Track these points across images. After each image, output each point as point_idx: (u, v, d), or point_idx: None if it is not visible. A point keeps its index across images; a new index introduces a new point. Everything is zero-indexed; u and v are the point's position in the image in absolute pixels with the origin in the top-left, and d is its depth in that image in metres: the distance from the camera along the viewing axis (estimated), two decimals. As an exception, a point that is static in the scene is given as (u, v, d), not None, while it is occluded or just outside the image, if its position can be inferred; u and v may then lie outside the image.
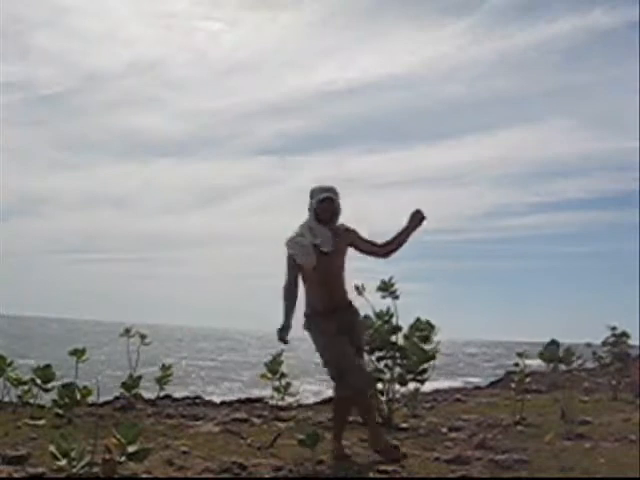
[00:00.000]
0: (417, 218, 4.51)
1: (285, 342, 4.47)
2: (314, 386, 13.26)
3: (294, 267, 4.46)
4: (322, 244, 4.41)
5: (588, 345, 8.98)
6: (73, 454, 3.14)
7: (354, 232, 4.56)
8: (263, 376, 7.32)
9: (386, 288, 5.73)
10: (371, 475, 3.90)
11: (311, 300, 4.47)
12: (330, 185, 4.57)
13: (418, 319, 6.20)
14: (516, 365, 6.85)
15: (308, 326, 4.45)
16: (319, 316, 4.40)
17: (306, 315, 4.48)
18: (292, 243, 4.47)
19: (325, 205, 4.47)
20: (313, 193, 4.53)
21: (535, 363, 7.60)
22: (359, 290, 5.81)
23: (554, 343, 6.55)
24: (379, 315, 5.82)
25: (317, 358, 4.46)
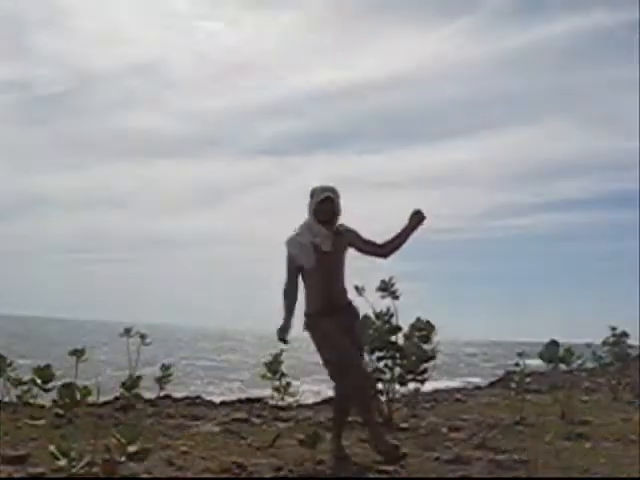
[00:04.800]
0: (417, 218, 4.50)
1: (285, 342, 4.47)
2: (314, 386, 13.25)
3: (294, 267, 4.46)
4: (322, 243, 4.41)
5: (588, 345, 8.99)
6: (73, 454, 3.14)
7: (354, 232, 4.55)
8: (263, 376, 7.33)
9: (386, 288, 5.72)
10: (371, 475, 3.90)
11: (311, 300, 4.46)
12: (331, 185, 4.56)
13: (418, 319, 6.18)
14: (516, 365, 6.84)
15: (308, 326, 4.45)
16: (319, 315, 4.40)
17: (306, 315, 4.47)
18: (292, 242, 4.47)
19: (325, 206, 4.47)
20: (314, 193, 4.53)
21: (535, 363, 7.59)
22: (359, 291, 5.80)
23: (554, 343, 6.56)
24: (378, 315, 5.80)
25: (317, 358, 4.46)
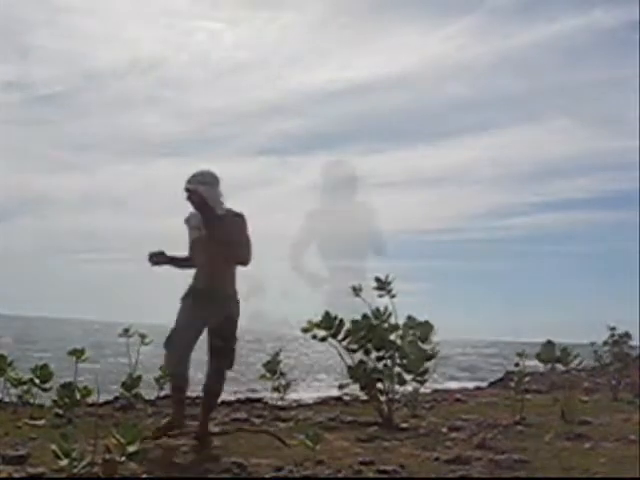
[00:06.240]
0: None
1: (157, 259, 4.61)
2: (314, 386, 13.25)
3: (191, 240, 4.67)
4: (195, 229, 4.60)
5: (592, 344, 9.00)
6: (74, 454, 3.14)
7: (240, 220, 4.54)
8: (262, 376, 7.32)
9: (382, 287, 5.67)
10: (371, 475, 3.90)
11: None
12: (203, 170, 4.51)
13: (410, 317, 6.03)
14: (516, 365, 6.83)
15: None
16: (191, 293, 4.58)
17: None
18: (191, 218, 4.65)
19: (187, 196, 4.50)
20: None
21: (535, 364, 7.59)
22: (356, 290, 5.78)
23: (550, 343, 6.59)
24: (375, 314, 5.72)
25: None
